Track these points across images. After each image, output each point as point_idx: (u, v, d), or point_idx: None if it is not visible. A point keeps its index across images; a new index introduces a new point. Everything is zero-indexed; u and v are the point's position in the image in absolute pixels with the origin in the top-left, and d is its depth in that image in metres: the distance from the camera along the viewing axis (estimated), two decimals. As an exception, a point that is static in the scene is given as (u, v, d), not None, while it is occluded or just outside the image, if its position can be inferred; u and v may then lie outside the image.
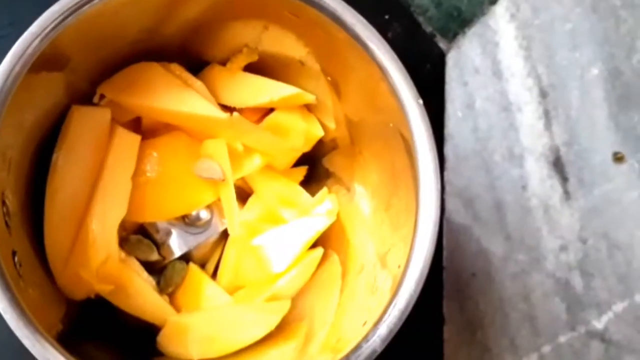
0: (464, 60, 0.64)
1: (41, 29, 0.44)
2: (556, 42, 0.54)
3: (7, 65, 0.43)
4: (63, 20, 0.44)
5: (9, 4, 0.61)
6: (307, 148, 0.58)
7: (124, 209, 0.53)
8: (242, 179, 0.57)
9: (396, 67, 0.47)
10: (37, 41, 0.44)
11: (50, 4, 0.44)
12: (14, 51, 0.43)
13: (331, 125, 0.57)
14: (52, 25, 0.44)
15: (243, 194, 0.58)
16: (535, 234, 0.57)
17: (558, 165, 0.54)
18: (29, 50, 0.44)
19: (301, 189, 0.58)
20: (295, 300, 0.56)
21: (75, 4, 0.45)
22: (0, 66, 0.43)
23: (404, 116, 0.46)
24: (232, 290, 0.56)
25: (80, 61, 0.50)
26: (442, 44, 0.68)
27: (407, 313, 0.44)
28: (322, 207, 0.57)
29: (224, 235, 0.58)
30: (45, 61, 0.45)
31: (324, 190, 0.58)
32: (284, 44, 0.53)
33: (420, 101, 0.46)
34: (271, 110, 0.57)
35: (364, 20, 0.47)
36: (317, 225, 0.56)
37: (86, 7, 0.45)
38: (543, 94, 0.55)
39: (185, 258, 0.58)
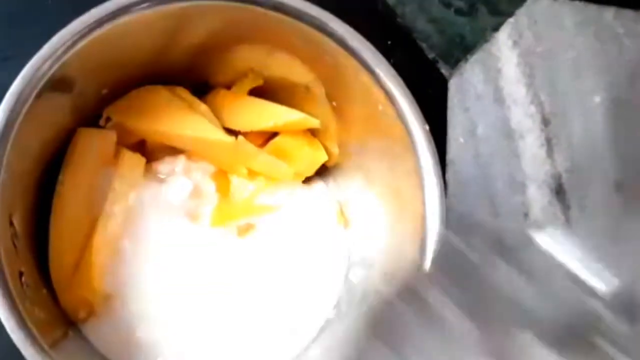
0: (466, 87, 0.64)
1: (51, 53, 0.44)
2: (559, 70, 0.54)
3: (17, 88, 0.44)
4: (72, 43, 0.45)
5: (13, 27, 0.61)
6: (310, 172, 0.58)
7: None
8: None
9: (402, 93, 0.47)
10: (46, 64, 0.44)
11: (54, 26, 0.45)
12: (23, 74, 0.44)
13: (335, 150, 0.57)
14: (62, 48, 0.45)
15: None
16: (536, 261, 0.56)
17: (560, 193, 0.54)
18: (39, 74, 0.44)
19: None
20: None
21: (85, 27, 0.45)
22: (10, 89, 0.44)
23: (410, 142, 0.47)
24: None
25: (87, 84, 0.51)
26: (444, 70, 0.68)
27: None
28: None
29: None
30: (54, 84, 0.46)
31: None
32: (289, 68, 0.54)
33: (427, 127, 0.47)
34: (275, 134, 0.57)
35: (371, 46, 0.48)
36: None
37: (95, 31, 0.46)
38: (545, 122, 0.55)
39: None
